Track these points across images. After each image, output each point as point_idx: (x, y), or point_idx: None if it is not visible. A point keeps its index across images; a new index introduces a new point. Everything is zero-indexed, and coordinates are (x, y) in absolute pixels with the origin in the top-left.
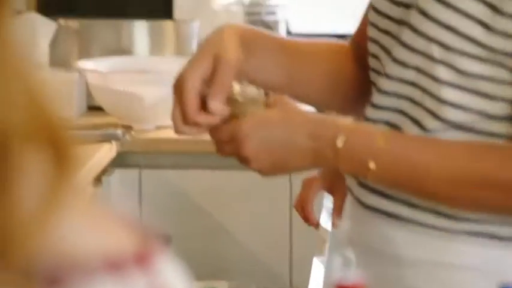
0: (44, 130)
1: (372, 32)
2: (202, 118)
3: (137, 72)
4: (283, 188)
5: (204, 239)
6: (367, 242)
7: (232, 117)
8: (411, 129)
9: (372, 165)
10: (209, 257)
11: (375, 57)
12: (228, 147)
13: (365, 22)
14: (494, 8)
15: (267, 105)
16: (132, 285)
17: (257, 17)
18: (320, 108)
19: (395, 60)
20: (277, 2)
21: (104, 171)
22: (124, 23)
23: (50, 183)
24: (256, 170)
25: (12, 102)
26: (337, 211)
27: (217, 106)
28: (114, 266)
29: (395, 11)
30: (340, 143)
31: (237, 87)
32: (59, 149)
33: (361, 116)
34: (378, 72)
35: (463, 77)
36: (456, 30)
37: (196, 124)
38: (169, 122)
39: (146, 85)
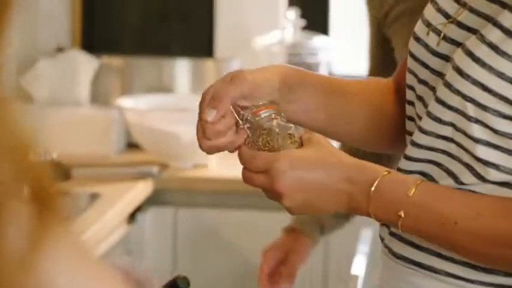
0: (30, 183)
1: (409, 80)
2: (218, 126)
3: (175, 110)
4: None
5: (238, 279)
6: None
7: (266, 145)
8: (446, 181)
9: (401, 214)
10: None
11: (411, 104)
12: (260, 179)
13: (405, 62)
14: None
15: (302, 140)
16: None
17: (298, 58)
18: (359, 145)
19: (430, 115)
20: (318, 44)
21: (139, 209)
22: (166, 61)
23: (34, 233)
24: (286, 207)
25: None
26: (290, 277)
27: (209, 113)
28: None
29: (434, 62)
30: (373, 188)
31: (275, 120)
32: (43, 202)
33: (399, 153)
34: (412, 119)
35: (497, 136)
36: (491, 90)
37: (216, 135)
38: (206, 160)
39: (184, 123)
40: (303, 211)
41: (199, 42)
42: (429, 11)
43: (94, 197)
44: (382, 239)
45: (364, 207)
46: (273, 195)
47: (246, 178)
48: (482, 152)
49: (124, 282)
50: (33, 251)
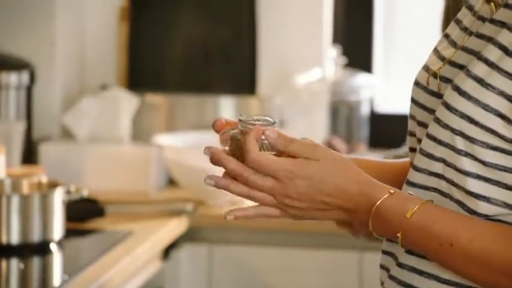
0: None
1: (410, 125)
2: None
3: None
4: (353, 266)
5: None
6: None
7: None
8: None
9: (399, 235)
10: None
11: (413, 150)
12: (267, 182)
13: None
14: None
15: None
16: None
17: (340, 96)
18: None
19: (422, 152)
20: (361, 81)
21: (173, 246)
22: (209, 99)
23: None
24: (291, 211)
25: None
26: None
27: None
28: None
29: (431, 102)
30: (374, 208)
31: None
32: None
33: None
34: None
35: (487, 168)
36: (477, 122)
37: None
38: (241, 198)
39: None
40: (305, 217)
41: (242, 80)
42: (431, 59)
43: (127, 234)
44: (381, 283)
45: (365, 221)
46: (279, 197)
47: (244, 179)
48: (473, 185)
49: None
50: None
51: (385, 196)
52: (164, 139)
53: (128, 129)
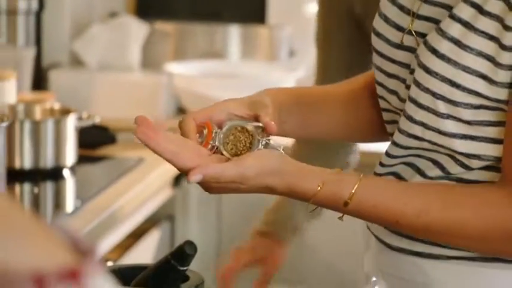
0: None
1: (378, 76)
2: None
3: (224, 76)
4: None
5: None
6: (398, 275)
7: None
8: (433, 171)
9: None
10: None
11: (382, 98)
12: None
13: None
14: (493, 61)
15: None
16: None
17: None
18: (342, 140)
19: (404, 114)
20: None
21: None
22: (218, 27)
23: None
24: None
25: None
26: (264, 284)
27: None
28: (41, 282)
29: (399, 55)
30: (310, 201)
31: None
32: None
33: (384, 141)
34: (388, 111)
35: (472, 127)
36: (459, 85)
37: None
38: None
39: (232, 90)
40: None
41: (251, 9)
42: (387, 7)
43: (138, 161)
44: (375, 236)
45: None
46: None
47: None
48: (460, 145)
49: (63, 245)
50: None
51: (316, 191)
52: (173, 67)
53: (137, 56)
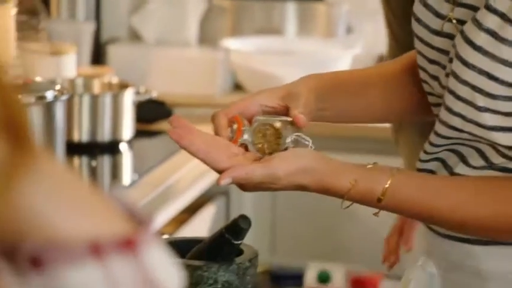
0: (2, 119)
1: (420, 60)
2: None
3: (281, 53)
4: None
5: (320, 217)
6: (447, 258)
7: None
8: (477, 161)
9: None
10: (325, 236)
11: (425, 82)
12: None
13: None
14: None
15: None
16: (113, 271)
17: None
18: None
19: (444, 105)
20: None
21: None
22: (275, 3)
23: (9, 164)
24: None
25: None
26: (408, 242)
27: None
28: (98, 250)
29: (438, 41)
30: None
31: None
32: (16, 135)
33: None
34: (431, 94)
35: (509, 118)
36: (497, 78)
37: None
38: None
39: (289, 66)
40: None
41: None
42: None
43: None
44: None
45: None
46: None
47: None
48: (499, 137)
49: (120, 214)
50: (9, 184)
51: (348, 188)
52: (230, 43)
53: (195, 32)
